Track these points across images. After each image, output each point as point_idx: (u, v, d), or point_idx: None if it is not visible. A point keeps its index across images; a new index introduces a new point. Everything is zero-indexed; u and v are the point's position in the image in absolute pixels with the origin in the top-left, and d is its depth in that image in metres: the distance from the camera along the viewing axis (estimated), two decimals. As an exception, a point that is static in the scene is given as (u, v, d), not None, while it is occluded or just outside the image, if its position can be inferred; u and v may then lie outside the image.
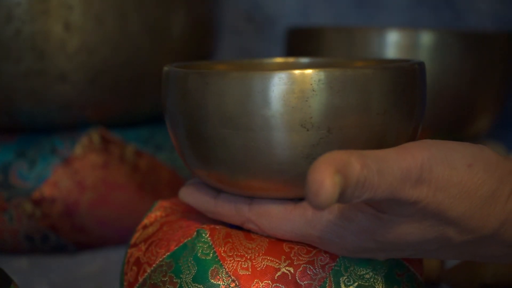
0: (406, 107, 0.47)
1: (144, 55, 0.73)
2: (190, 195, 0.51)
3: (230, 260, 0.48)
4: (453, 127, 0.76)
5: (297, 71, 0.45)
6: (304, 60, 0.58)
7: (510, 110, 0.88)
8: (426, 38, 0.72)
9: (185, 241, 0.49)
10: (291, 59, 0.58)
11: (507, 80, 0.78)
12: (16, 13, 0.69)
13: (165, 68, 0.50)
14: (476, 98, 0.75)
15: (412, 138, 0.49)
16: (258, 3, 0.95)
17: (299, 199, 0.48)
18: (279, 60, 0.58)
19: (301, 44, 0.77)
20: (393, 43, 0.73)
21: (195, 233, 0.49)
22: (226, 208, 0.49)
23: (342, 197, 0.39)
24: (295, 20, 0.93)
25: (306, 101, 0.45)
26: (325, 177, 0.38)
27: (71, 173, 0.72)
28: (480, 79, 0.75)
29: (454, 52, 0.73)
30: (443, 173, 0.43)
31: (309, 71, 0.45)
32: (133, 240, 0.53)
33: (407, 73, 0.47)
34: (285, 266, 0.47)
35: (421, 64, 0.49)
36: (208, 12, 0.80)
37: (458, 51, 0.73)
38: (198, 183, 0.52)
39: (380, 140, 0.46)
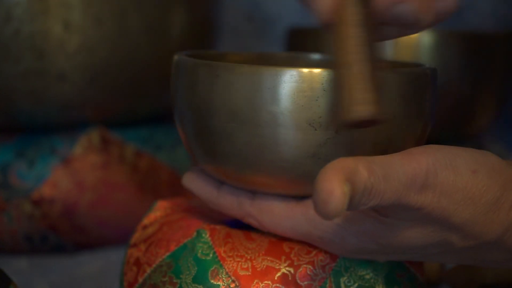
0: (415, 112, 0.47)
1: (144, 55, 0.73)
2: (193, 182, 0.50)
3: (230, 261, 0.48)
4: (453, 127, 0.76)
5: (308, 70, 0.44)
6: (315, 56, 0.57)
7: (510, 110, 0.88)
8: (426, 38, 0.72)
9: (185, 241, 0.49)
10: (302, 55, 0.58)
11: (507, 79, 0.78)
12: (15, 13, 0.69)
13: (175, 57, 0.49)
14: (476, 97, 0.75)
15: (419, 141, 0.48)
16: (258, 3, 0.95)
17: (302, 197, 0.47)
18: (290, 55, 0.58)
19: (301, 44, 0.77)
20: (393, 43, 0.72)
21: (195, 233, 0.49)
22: (228, 200, 0.49)
23: (349, 205, 0.39)
24: (295, 20, 0.93)
25: (316, 100, 0.44)
26: (335, 187, 0.38)
27: (70, 173, 0.72)
28: (480, 79, 0.75)
29: (454, 52, 0.73)
30: (448, 178, 0.42)
31: (320, 70, 0.44)
32: (133, 240, 0.53)
33: (418, 79, 0.47)
34: (285, 267, 0.47)
35: (433, 70, 0.48)
36: (208, 12, 0.80)
37: (458, 51, 0.73)
38: (202, 169, 0.51)
39: (387, 143, 0.46)
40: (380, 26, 0.46)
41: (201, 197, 0.50)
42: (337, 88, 0.41)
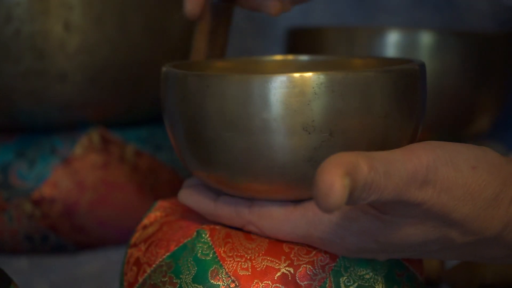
0: (408, 109, 0.47)
1: (144, 55, 0.73)
2: (189, 197, 0.51)
3: (230, 261, 0.48)
4: (453, 127, 0.76)
5: (298, 74, 0.44)
6: (303, 57, 0.58)
7: (510, 110, 0.88)
8: (426, 38, 0.72)
9: (185, 241, 0.49)
10: (290, 57, 0.58)
11: (507, 80, 0.78)
12: (15, 13, 0.69)
13: (164, 69, 0.50)
14: (476, 98, 0.75)
15: (413, 139, 0.49)
16: (258, 3, 0.94)
17: (300, 201, 0.47)
18: (278, 58, 0.58)
19: (301, 44, 0.77)
20: (393, 43, 0.73)
21: (195, 234, 0.49)
22: (226, 211, 0.49)
23: (349, 199, 0.39)
24: (295, 20, 0.93)
25: (308, 104, 0.44)
26: (335, 180, 0.38)
27: (71, 173, 0.72)
28: (480, 79, 0.75)
29: (454, 52, 0.73)
30: (448, 174, 0.43)
31: (310, 75, 0.44)
32: (133, 240, 0.53)
33: (408, 75, 0.47)
34: (285, 267, 0.47)
35: (422, 66, 0.48)
36: (208, 12, 0.80)
37: (458, 51, 0.73)
38: (197, 184, 0.51)
39: (382, 143, 0.46)
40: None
41: (199, 211, 0.50)
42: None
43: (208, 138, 0.46)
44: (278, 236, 0.48)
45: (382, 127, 0.46)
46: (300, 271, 0.47)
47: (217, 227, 0.50)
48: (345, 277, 0.47)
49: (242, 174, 0.46)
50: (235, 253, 0.48)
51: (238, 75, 0.45)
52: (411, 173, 0.42)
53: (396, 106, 0.46)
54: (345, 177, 0.38)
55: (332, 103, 0.44)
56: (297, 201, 0.47)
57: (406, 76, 0.47)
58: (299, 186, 0.46)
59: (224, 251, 0.48)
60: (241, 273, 0.47)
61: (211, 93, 0.46)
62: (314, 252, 0.48)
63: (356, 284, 0.47)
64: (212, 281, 0.47)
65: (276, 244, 0.48)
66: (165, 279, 0.48)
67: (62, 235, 0.73)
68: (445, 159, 0.43)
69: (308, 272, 0.47)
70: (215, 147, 0.46)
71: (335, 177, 0.38)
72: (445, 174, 0.43)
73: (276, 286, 0.47)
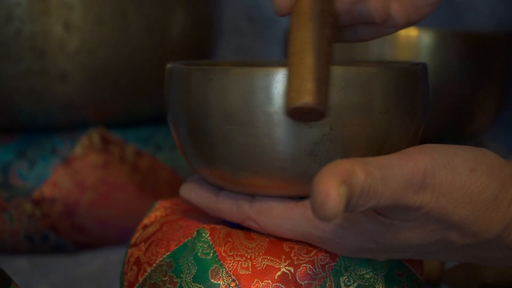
0: (408, 107, 0.47)
1: (144, 55, 0.73)
2: (191, 191, 0.51)
3: (230, 260, 0.48)
4: (453, 127, 0.77)
5: None
6: None
7: (510, 110, 0.88)
8: (426, 38, 0.73)
9: (185, 240, 0.49)
10: None
11: (506, 80, 0.78)
12: (16, 13, 0.69)
13: (168, 65, 0.50)
14: (476, 98, 0.76)
15: (415, 138, 0.49)
16: (258, 3, 0.95)
17: (301, 198, 0.48)
18: (282, 61, 0.58)
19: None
20: (393, 43, 0.73)
21: (195, 233, 0.49)
22: (226, 205, 0.49)
23: (347, 207, 0.39)
24: (295, 20, 0.93)
25: None
26: (331, 189, 0.38)
27: (71, 173, 0.72)
28: (480, 79, 0.75)
29: (454, 52, 0.73)
30: (446, 178, 0.43)
31: None
32: (133, 240, 0.53)
33: (409, 73, 0.47)
34: (285, 266, 0.47)
35: (423, 65, 0.49)
36: (208, 12, 0.80)
37: (458, 51, 0.73)
38: (199, 179, 0.52)
39: (382, 139, 0.46)
40: (354, 27, 0.46)
41: (200, 205, 0.50)
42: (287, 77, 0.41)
43: (210, 132, 0.47)
44: (277, 232, 0.48)
45: (383, 123, 0.46)
46: (300, 271, 0.47)
47: (218, 226, 0.50)
48: (345, 277, 0.47)
49: (244, 169, 0.47)
50: (235, 253, 0.48)
51: (241, 68, 0.45)
52: (408, 177, 0.42)
53: (397, 103, 0.46)
54: (341, 186, 0.38)
55: (332, 97, 0.45)
56: (298, 198, 0.48)
57: (407, 73, 0.47)
58: (300, 181, 0.46)
59: (224, 251, 0.48)
60: (242, 272, 0.47)
61: (213, 86, 0.46)
62: (314, 252, 0.48)
63: (356, 284, 0.47)
64: (212, 280, 0.47)
65: (276, 243, 0.48)
66: (165, 279, 0.49)
67: (62, 235, 0.73)
68: (443, 163, 0.43)
69: (308, 272, 0.47)
70: (217, 141, 0.47)
71: (330, 187, 0.38)
72: (443, 177, 0.43)
73: (276, 285, 0.47)
